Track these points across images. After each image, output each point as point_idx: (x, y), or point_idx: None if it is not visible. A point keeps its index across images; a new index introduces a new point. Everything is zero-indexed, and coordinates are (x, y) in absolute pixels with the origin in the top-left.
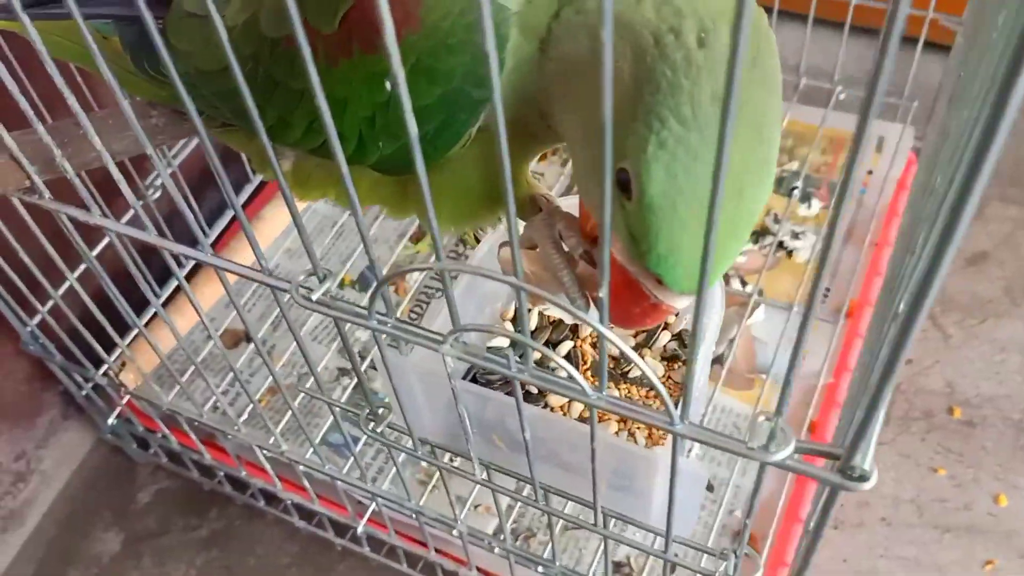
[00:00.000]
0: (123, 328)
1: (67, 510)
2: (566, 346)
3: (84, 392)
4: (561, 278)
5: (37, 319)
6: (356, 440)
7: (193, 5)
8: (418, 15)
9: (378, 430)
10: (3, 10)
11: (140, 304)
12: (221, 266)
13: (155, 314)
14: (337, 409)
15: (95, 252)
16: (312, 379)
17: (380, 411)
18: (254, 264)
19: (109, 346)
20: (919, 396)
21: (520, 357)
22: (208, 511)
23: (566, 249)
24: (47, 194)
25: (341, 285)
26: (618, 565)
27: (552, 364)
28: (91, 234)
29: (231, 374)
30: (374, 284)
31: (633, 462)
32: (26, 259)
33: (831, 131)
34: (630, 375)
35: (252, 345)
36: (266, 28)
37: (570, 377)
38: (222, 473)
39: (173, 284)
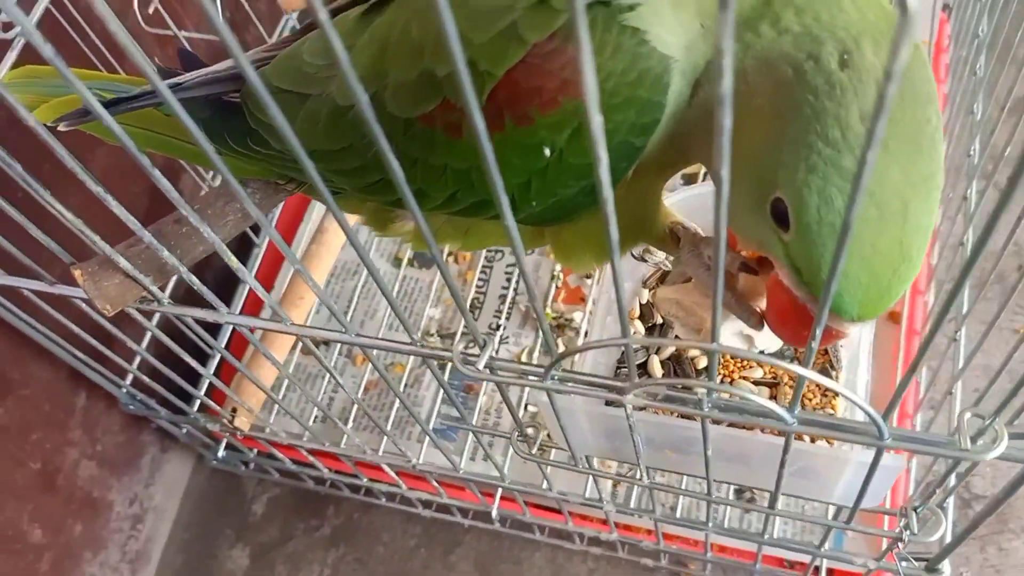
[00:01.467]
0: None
1: (187, 537)
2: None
3: (185, 430)
4: (727, 303)
5: (129, 379)
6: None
7: (285, 82)
8: (576, 80)
9: (533, 451)
10: (83, 114)
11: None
12: (368, 344)
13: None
14: (438, 395)
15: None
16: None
17: (531, 431)
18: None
19: (195, 382)
20: (987, 259)
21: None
22: (325, 509)
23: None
24: (166, 300)
25: (397, 263)
26: (739, 491)
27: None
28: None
29: (321, 383)
30: (553, 357)
31: (821, 461)
32: (106, 323)
33: None
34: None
35: (326, 348)
36: (395, 109)
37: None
38: (342, 481)
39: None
